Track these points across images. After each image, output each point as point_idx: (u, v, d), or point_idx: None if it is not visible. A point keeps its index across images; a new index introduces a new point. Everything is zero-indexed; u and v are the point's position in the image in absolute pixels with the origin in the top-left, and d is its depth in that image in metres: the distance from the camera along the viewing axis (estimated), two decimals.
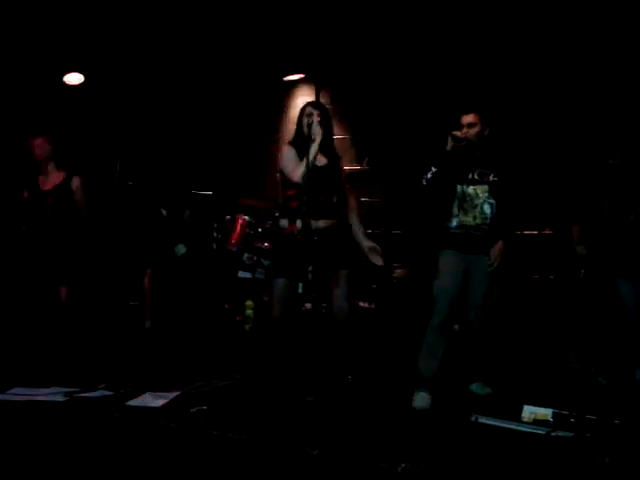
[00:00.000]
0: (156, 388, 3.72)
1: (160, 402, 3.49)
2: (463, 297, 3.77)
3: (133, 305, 5.79)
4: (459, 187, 3.79)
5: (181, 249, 5.65)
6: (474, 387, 3.93)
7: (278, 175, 3.92)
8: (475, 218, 3.76)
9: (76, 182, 4.99)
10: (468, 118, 3.79)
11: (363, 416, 3.41)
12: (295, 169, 3.70)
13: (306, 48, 6.52)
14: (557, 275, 5.15)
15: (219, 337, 5.42)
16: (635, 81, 5.27)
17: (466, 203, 3.78)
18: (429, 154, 3.81)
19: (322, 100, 6.37)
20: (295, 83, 7.07)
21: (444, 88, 5.96)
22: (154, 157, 6.39)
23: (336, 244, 3.83)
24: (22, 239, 5.04)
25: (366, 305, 5.74)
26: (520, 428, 3.13)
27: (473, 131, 3.77)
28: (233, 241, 5.69)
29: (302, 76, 6.96)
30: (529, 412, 3.26)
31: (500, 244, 3.73)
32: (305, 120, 3.78)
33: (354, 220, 3.93)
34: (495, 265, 3.72)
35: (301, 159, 3.68)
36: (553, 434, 3.01)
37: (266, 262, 5.61)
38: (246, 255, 5.68)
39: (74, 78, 6.42)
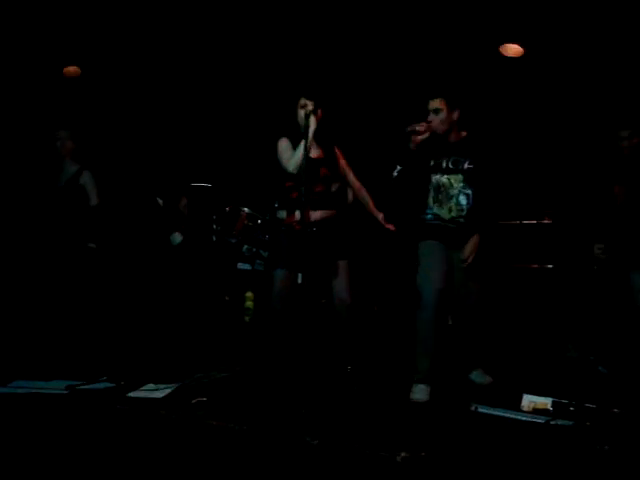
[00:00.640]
0: (157, 380, 3.74)
1: (161, 394, 3.50)
2: (451, 288, 3.67)
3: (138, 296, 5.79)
4: (433, 177, 3.70)
5: (177, 238, 5.65)
6: (473, 376, 3.93)
7: (276, 167, 3.94)
8: (450, 211, 3.66)
9: (87, 175, 5.02)
10: (434, 104, 3.64)
11: (363, 406, 3.43)
12: (289, 159, 3.72)
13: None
14: (556, 264, 5.15)
15: (219, 329, 5.43)
16: None
17: (441, 194, 3.68)
18: (394, 151, 3.70)
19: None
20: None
21: (414, 72, 5.76)
22: (150, 147, 6.38)
23: (335, 235, 3.84)
24: (24, 231, 5.06)
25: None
26: (519, 417, 3.14)
27: (439, 118, 3.63)
28: (233, 233, 5.69)
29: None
30: (528, 401, 3.27)
31: (475, 239, 3.61)
32: (300, 111, 3.79)
33: (363, 195, 4.06)
34: (470, 261, 3.60)
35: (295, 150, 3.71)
36: (552, 423, 3.01)
37: (265, 254, 5.61)
38: (245, 247, 5.67)
39: (72, 71, 6.41)
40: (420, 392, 3.59)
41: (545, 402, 3.24)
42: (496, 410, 3.22)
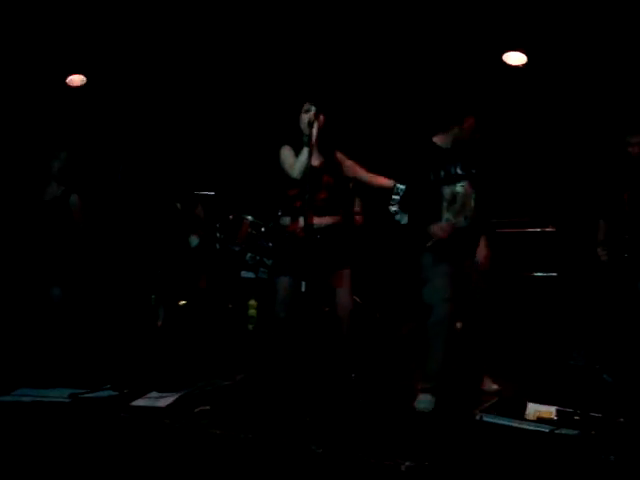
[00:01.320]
0: (161, 388, 3.74)
1: (164, 402, 3.50)
2: (459, 295, 3.64)
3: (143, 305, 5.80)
4: (446, 189, 3.63)
5: (194, 240, 5.72)
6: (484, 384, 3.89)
7: (279, 175, 3.95)
8: (466, 218, 3.64)
9: (75, 199, 5.03)
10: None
11: (367, 415, 3.42)
12: (293, 165, 3.73)
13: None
14: (560, 272, 5.12)
15: (222, 337, 5.42)
16: None
17: (456, 204, 3.63)
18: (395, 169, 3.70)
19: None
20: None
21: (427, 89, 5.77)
22: (161, 155, 6.42)
23: (338, 243, 3.84)
24: (26, 240, 5.06)
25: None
26: (524, 426, 3.13)
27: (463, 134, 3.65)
28: (237, 241, 5.70)
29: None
30: (533, 410, 3.26)
31: (484, 243, 3.64)
32: (303, 116, 3.79)
33: (380, 183, 3.99)
34: (486, 265, 3.62)
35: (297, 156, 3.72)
36: (557, 432, 3.00)
37: (269, 261, 5.61)
38: (249, 255, 5.68)
39: (77, 80, 6.43)
40: (425, 402, 3.57)
41: (550, 411, 3.23)
42: (501, 419, 3.21)
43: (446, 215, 3.64)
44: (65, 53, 6.25)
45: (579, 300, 4.56)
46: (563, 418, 3.14)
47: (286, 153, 3.87)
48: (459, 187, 3.63)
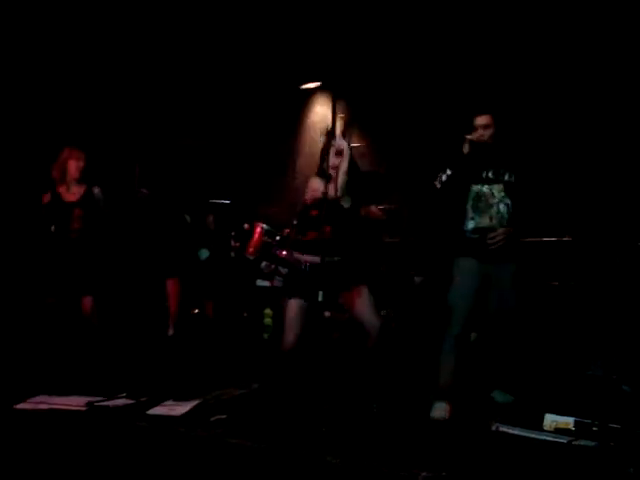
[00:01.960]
0: (176, 397, 3.74)
1: (180, 411, 3.51)
2: (481, 305, 3.71)
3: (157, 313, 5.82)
4: (474, 187, 3.73)
5: (204, 253, 5.72)
6: (495, 395, 3.90)
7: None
8: (491, 219, 3.69)
9: (98, 192, 5.03)
10: (482, 120, 3.73)
11: (383, 424, 3.40)
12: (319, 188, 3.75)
13: (321, 55, 6.53)
14: (578, 282, 5.09)
15: (238, 345, 5.43)
16: None
17: (481, 203, 3.71)
18: (443, 157, 3.77)
19: (338, 107, 6.37)
20: (313, 91, 7.09)
21: (457, 89, 5.84)
22: (174, 165, 6.44)
23: (351, 262, 3.84)
24: (44, 249, 5.08)
25: (384, 312, 5.72)
26: (541, 437, 3.11)
27: (488, 132, 3.72)
28: (251, 249, 5.71)
29: (319, 84, 6.98)
30: (551, 420, 3.23)
31: (509, 229, 3.65)
32: (329, 150, 3.82)
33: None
34: (496, 241, 3.62)
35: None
36: (575, 443, 2.98)
37: (284, 270, 5.62)
38: (264, 263, 5.69)
39: None
40: (440, 410, 3.56)
41: (567, 422, 3.20)
42: (517, 429, 3.18)
43: (471, 214, 3.72)
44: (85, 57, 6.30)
45: (597, 310, 4.53)
46: (581, 429, 3.11)
47: (315, 185, 3.95)
48: (485, 188, 3.71)
